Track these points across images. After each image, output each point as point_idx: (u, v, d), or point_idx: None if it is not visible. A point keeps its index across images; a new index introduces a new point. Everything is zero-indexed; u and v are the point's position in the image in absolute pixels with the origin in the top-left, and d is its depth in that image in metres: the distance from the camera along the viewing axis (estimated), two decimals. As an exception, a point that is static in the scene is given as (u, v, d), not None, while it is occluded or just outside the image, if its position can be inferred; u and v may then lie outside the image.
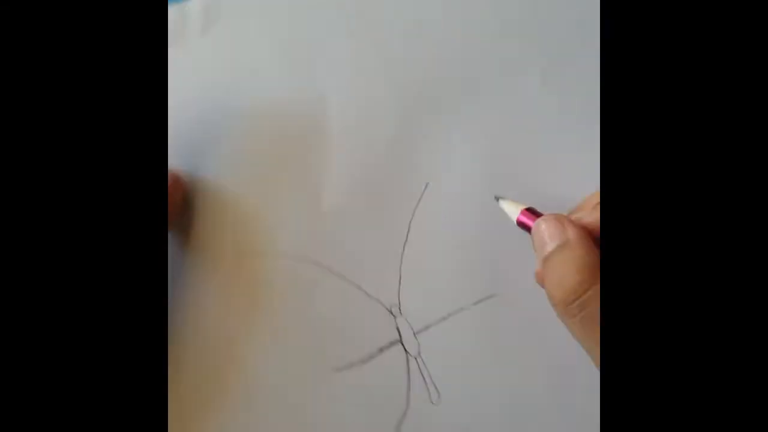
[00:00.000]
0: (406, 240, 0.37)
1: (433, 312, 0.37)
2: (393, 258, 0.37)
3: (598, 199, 0.32)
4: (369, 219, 0.37)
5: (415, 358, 0.37)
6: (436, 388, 0.36)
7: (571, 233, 0.30)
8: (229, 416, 0.37)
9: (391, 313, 0.37)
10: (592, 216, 0.31)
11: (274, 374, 0.37)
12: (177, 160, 0.38)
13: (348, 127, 0.37)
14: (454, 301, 0.36)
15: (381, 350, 0.37)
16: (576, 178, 0.35)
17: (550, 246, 0.31)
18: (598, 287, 0.29)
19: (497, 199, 0.35)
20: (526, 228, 0.33)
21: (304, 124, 0.37)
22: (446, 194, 0.37)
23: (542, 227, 0.31)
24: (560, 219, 0.31)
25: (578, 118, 0.35)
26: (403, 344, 0.37)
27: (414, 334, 0.37)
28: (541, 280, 0.32)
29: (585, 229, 0.31)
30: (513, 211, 0.34)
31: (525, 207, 0.34)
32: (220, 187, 0.37)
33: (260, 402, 0.37)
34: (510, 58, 0.37)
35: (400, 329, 0.37)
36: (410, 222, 0.37)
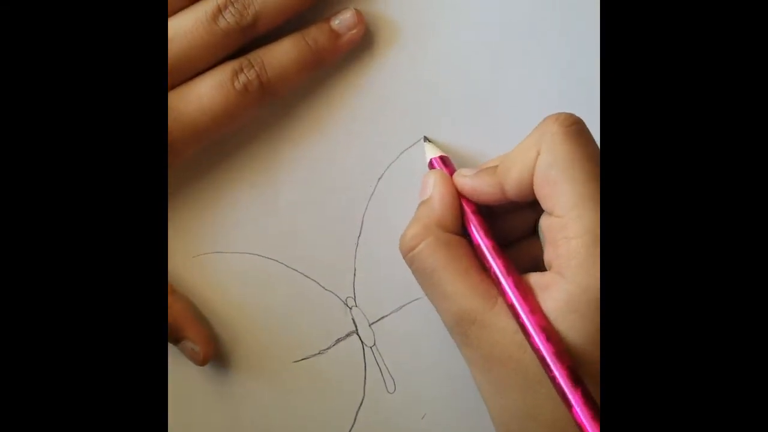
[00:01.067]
0: (360, 233, 0.37)
1: (387, 303, 0.38)
2: (347, 251, 0.37)
3: (494, 163, 0.33)
4: (323, 214, 0.37)
5: (371, 348, 0.37)
6: (392, 377, 0.37)
7: (435, 191, 0.33)
8: (190, 410, 0.37)
9: (347, 305, 0.37)
10: (473, 179, 0.32)
11: (233, 368, 0.37)
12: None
13: (304, 121, 0.37)
14: (407, 291, 0.37)
15: (337, 341, 0.38)
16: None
17: (419, 200, 0.33)
18: (429, 240, 0.31)
19: (426, 139, 0.36)
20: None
21: (261, 119, 0.37)
22: (399, 188, 0.37)
23: (425, 179, 0.34)
24: (432, 175, 0.33)
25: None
26: (359, 335, 0.38)
27: (369, 324, 0.38)
28: None
29: (449, 189, 0.33)
30: (431, 154, 0.35)
31: (441, 155, 0.35)
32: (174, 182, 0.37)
33: (221, 395, 0.37)
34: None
35: (356, 320, 0.38)
36: (363, 215, 0.37)
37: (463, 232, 0.33)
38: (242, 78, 0.33)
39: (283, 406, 0.37)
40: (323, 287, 0.37)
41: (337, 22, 0.34)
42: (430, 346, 0.37)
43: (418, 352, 0.37)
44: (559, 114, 0.30)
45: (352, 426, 0.37)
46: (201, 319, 0.36)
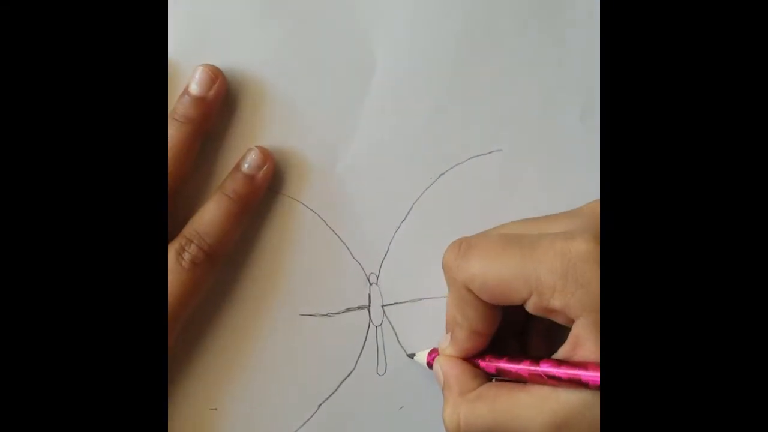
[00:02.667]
0: (405, 219, 0.38)
1: (405, 291, 0.38)
2: (387, 231, 0.38)
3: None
4: (377, 188, 0.38)
5: (377, 327, 0.38)
6: (385, 360, 0.38)
7: (446, 373, 0.34)
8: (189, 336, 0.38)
9: (368, 280, 0.38)
10: (455, 342, 0.34)
11: (240, 302, 0.38)
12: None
13: (385, 96, 0.38)
14: (429, 288, 0.38)
15: (347, 310, 0.38)
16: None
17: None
18: (464, 411, 0.32)
19: (410, 356, 0.38)
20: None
21: (345, 80, 0.37)
22: (455, 192, 0.38)
23: (435, 374, 0.35)
24: (436, 365, 0.35)
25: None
26: (369, 311, 0.38)
27: (382, 305, 0.38)
28: None
29: (451, 364, 0.34)
30: (423, 359, 0.37)
31: (430, 350, 0.37)
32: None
33: (220, 327, 0.38)
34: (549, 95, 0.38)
35: (371, 297, 0.38)
36: (414, 204, 0.38)
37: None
38: (187, 256, 0.34)
39: (275, 352, 0.38)
40: (352, 255, 0.38)
41: (246, 166, 0.36)
42: (431, 344, 0.38)
43: (418, 346, 0.38)
44: (445, 254, 0.33)
45: (332, 393, 0.38)
46: None
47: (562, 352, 0.30)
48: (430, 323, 0.38)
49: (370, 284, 0.38)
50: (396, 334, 0.38)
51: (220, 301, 0.38)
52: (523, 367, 0.32)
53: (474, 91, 0.38)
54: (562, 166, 0.38)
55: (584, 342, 0.29)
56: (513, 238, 0.31)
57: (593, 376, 0.28)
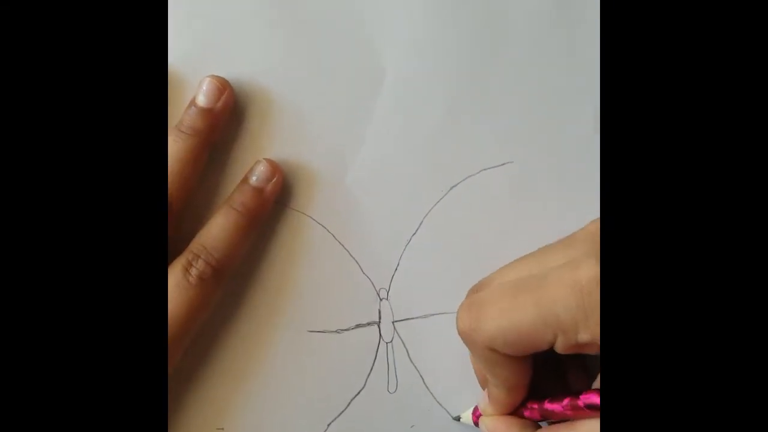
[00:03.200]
0: (416, 232, 0.37)
1: (417, 307, 0.38)
2: (397, 245, 0.37)
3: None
4: (387, 200, 0.37)
5: (387, 344, 0.37)
6: (396, 377, 0.37)
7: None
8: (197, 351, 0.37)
9: (378, 295, 0.37)
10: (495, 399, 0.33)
11: (246, 317, 0.37)
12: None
13: (395, 106, 0.37)
14: (441, 304, 0.37)
15: (357, 326, 0.37)
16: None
17: None
18: None
19: (456, 419, 0.37)
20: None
21: (353, 89, 0.37)
22: (466, 205, 0.37)
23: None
24: (485, 423, 0.34)
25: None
26: (379, 328, 0.37)
27: (393, 321, 0.37)
28: None
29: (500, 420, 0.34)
30: (468, 419, 0.36)
31: (474, 408, 0.36)
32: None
33: (226, 345, 0.37)
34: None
35: (382, 313, 0.37)
36: (425, 217, 0.37)
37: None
38: (194, 271, 0.33)
39: (281, 372, 0.37)
40: (362, 270, 0.37)
41: (254, 178, 0.35)
42: (443, 361, 0.37)
43: (431, 363, 0.37)
44: (457, 319, 0.32)
45: (342, 412, 0.37)
46: None
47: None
48: (442, 339, 0.37)
49: (381, 299, 0.37)
50: (407, 350, 0.37)
51: (226, 318, 0.37)
52: (565, 404, 0.31)
53: (485, 101, 0.37)
54: (576, 179, 0.37)
55: None
56: (521, 284, 0.30)
57: None
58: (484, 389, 0.34)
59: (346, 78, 0.37)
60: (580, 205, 0.37)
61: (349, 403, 0.37)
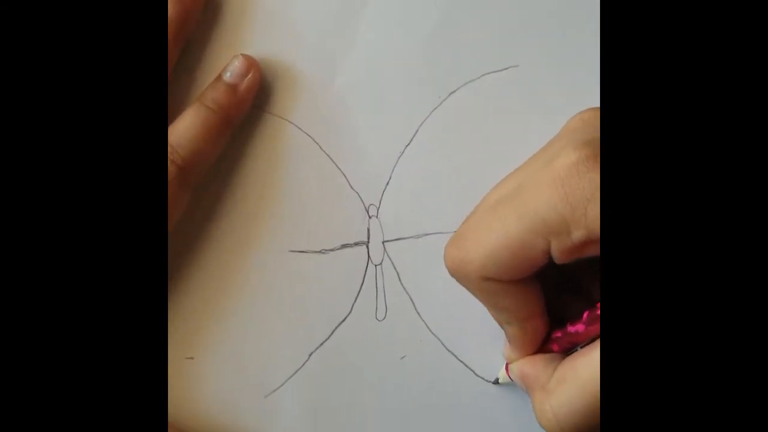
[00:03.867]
0: (410, 143, 0.34)
1: (409, 226, 0.34)
2: (389, 157, 0.34)
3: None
4: (379, 107, 0.34)
5: (376, 266, 0.34)
6: (386, 304, 0.34)
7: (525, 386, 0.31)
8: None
9: (368, 212, 0.34)
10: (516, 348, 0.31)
11: (221, 238, 0.34)
12: None
13: (389, 4, 0.34)
14: (436, 223, 0.34)
15: (343, 247, 0.34)
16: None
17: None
18: (552, 404, 0.28)
19: (495, 382, 0.34)
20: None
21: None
22: (466, 112, 0.34)
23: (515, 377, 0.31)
24: (514, 377, 0.31)
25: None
26: (368, 248, 0.34)
27: (383, 241, 0.34)
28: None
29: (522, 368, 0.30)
30: (505, 378, 0.33)
31: (505, 366, 0.32)
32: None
33: (195, 265, 0.34)
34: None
35: (371, 232, 0.34)
36: (420, 125, 0.34)
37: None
38: None
39: (258, 295, 0.34)
40: (350, 184, 0.34)
41: (228, 74, 0.32)
42: (437, 286, 0.33)
43: (423, 288, 0.34)
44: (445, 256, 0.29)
45: (325, 341, 0.34)
46: None
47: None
48: (437, 262, 0.33)
49: (370, 217, 0.34)
50: (398, 273, 0.34)
51: (197, 235, 0.34)
52: (585, 319, 0.28)
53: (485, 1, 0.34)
54: (585, 82, 0.34)
55: None
56: (497, 202, 0.28)
57: None
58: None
59: None
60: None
61: (333, 331, 0.34)
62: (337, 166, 0.34)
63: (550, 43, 0.34)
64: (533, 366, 0.30)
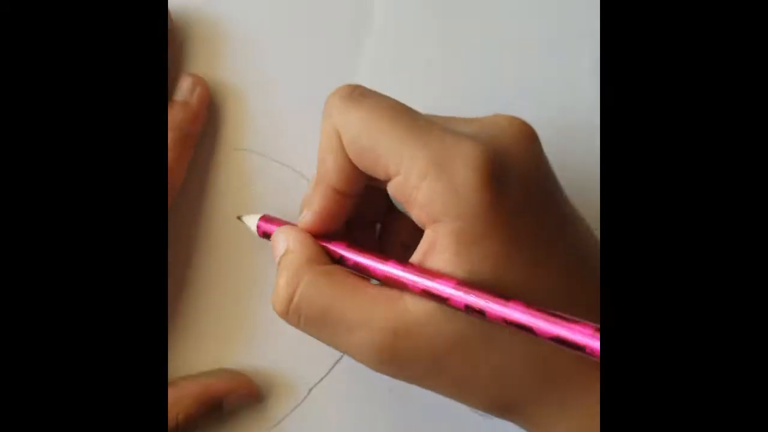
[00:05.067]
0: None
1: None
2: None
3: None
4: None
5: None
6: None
7: (291, 239, 0.30)
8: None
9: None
10: (310, 203, 0.30)
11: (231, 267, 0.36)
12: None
13: (384, 57, 0.35)
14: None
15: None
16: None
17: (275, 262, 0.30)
18: (307, 279, 0.28)
19: (239, 218, 0.34)
20: (268, 236, 0.31)
21: (339, 37, 0.35)
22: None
23: (273, 241, 0.30)
24: (281, 232, 0.30)
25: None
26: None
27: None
28: None
29: (303, 233, 0.30)
30: (252, 223, 0.33)
31: (263, 215, 0.32)
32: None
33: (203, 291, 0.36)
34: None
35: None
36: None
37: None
38: None
39: (261, 339, 0.35)
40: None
41: (179, 94, 0.34)
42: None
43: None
44: (334, 91, 0.29)
45: (323, 377, 0.36)
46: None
47: (414, 257, 0.27)
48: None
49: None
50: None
51: (200, 261, 0.36)
52: (373, 263, 0.28)
53: (467, 47, 0.35)
54: (571, 121, 0.35)
55: (440, 250, 0.26)
56: (410, 113, 0.28)
57: (442, 288, 0.26)
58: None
59: (334, 21, 0.36)
60: (573, 147, 0.35)
61: (332, 369, 0.35)
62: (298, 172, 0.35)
63: (536, 84, 0.35)
64: (311, 241, 0.29)
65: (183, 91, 0.34)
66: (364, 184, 0.29)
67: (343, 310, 0.27)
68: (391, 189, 0.27)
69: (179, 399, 0.33)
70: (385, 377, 0.32)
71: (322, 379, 0.35)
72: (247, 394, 0.34)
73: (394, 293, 0.27)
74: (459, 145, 0.26)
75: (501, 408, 0.27)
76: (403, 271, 0.27)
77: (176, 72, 0.35)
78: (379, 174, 0.27)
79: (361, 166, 0.28)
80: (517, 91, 0.35)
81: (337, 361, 0.35)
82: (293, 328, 0.29)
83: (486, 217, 0.26)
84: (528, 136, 0.28)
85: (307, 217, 0.30)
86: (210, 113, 0.35)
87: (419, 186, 0.26)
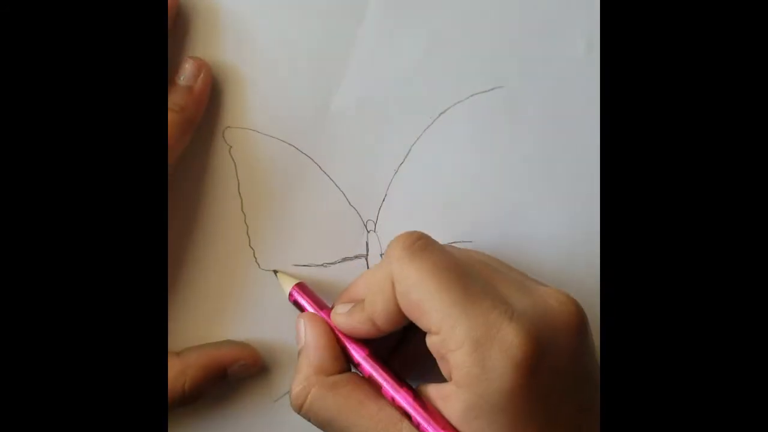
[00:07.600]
0: (403, 162, 0.36)
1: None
2: (384, 175, 0.36)
3: (358, 290, 0.33)
4: (373, 128, 0.36)
5: (374, 278, 0.36)
6: (385, 312, 0.36)
7: (308, 338, 0.32)
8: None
9: (366, 227, 0.36)
10: (347, 318, 0.32)
11: (227, 254, 0.36)
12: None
13: (380, 32, 0.35)
14: (431, 233, 0.36)
15: (344, 260, 0.36)
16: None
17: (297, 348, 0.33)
18: (314, 392, 0.31)
19: (275, 272, 0.36)
20: (298, 306, 0.34)
21: (336, 14, 0.35)
22: (456, 130, 0.36)
23: (297, 326, 0.33)
24: (302, 320, 0.33)
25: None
26: (367, 261, 0.36)
27: (381, 254, 0.36)
28: None
29: (321, 331, 0.32)
30: (287, 286, 0.35)
31: (298, 282, 0.35)
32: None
33: (203, 277, 0.36)
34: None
35: (369, 245, 0.36)
36: (413, 145, 0.36)
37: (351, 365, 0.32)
38: None
39: (264, 307, 0.36)
40: (349, 201, 0.36)
41: (182, 78, 0.34)
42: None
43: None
44: (399, 236, 0.30)
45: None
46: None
47: (426, 390, 0.30)
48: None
49: (368, 232, 0.36)
50: (395, 284, 0.36)
51: (207, 249, 0.36)
52: (386, 384, 0.31)
53: (472, 23, 0.35)
54: (567, 103, 0.35)
55: (450, 410, 0.28)
56: (464, 278, 0.29)
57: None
58: (342, 302, 0.33)
59: (327, 4, 0.35)
60: (570, 130, 0.36)
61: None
62: (337, 186, 0.36)
63: (534, 63, 0.35)
64: (325, 346, 0.32)
65: (187, 74, 0.34)
66: (404, 324, 0.31)
67: (348, 424, 0.30)
68: (428, 341, 0.29)
69: (185, 368, 0.34)
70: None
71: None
72: (251, 363, 0.35)
73: (395, 417, 0.30)
74: (501, 328, 0.27)
75: None
76: (412, 407, 0.29)
77: (175, 53, 0.35)
78: (421, 325, 0.29)
79: (406, 313, 0.30)
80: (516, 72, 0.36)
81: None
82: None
83: (507, 403, 0.27)
84: (575, 327, 0.29)
85: (340, 319, 0.32)
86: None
87: (454, 351, 0.28)
